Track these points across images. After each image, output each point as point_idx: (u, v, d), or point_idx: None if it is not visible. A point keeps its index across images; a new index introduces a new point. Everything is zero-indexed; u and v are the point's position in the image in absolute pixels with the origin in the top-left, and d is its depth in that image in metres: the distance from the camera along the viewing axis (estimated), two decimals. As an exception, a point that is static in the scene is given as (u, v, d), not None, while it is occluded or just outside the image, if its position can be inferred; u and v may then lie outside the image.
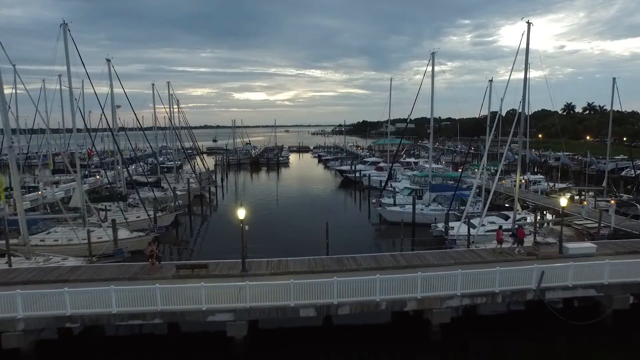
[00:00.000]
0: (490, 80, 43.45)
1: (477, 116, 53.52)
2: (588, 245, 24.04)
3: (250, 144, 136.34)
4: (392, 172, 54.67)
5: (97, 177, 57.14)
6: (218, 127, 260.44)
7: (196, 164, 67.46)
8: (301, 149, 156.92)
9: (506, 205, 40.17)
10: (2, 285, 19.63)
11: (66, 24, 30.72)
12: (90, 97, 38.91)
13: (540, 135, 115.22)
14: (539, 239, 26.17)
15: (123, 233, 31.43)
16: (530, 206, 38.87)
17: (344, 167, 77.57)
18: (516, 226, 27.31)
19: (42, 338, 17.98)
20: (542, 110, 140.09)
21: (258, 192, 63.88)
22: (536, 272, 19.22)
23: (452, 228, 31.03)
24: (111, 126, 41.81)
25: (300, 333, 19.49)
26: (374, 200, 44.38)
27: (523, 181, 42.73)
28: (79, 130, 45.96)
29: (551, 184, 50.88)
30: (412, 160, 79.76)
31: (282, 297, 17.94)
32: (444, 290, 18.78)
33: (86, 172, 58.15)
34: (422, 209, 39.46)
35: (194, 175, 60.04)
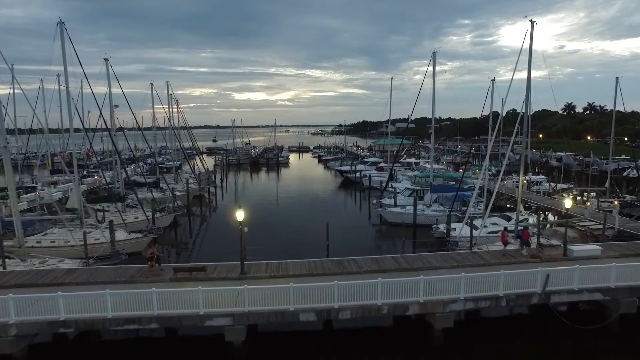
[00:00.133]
0: (493, 80, 43.11)
1: (478, 116, 53.12)
2: (593, 248, 23.63)
3: (250, 144, 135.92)
4: (393, 172, 54.25)
5: (96, 177, 56.74)
6: (218, 127, 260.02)
7: (195, 164, 67.08)
8: (301, 149, 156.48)
9: (508, 206, 39.75)
10: (-4, 288, 19.22)
11: (63, 22, 30.26)
12: (90, 97, 38.67)
13: (540, 136, 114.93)
14: (542, 240, 25.75)
15: (121, 234, 31.06)
16: (533, 207, 38.47)
17: (344, 168, 77.18)
18: (521, 227, 26.89)
19: (36, 342, 17.56)
20: (543, 110, 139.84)
21: (258, 193, 63.49)
22: (541, 276, 18.82)
23: (454, 229, 30.62)
24: (109, 126, 41.37)
25: (300, 337, 19.12)
26: (374, 201, 43.98)
27: (525, 182, 42.29)
28: (77, 131, 45.68)
29: (553, 185, 50.47)
30: (412, 160, 79.31)
31: (281, 301, 17.54)
32: (447, 294, 18.38)
33: (85, 173, 57.80)
34: (423, 210, 39.04)
35: (193, 175, 59.63)
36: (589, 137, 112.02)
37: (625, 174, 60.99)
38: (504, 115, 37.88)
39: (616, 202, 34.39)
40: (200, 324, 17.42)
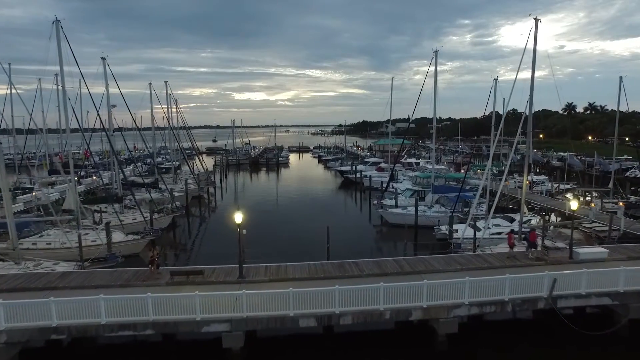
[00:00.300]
0: (496, 79, 42.63)
1: (479, 116, 52.63)
2: (599, 250, 23.09)
3: (249, 144, 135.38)
4: (394, 173, 53.76)
5: (94, 177, 56.21)
6: (218, 127, 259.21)
7: (195, 164, 66.56)
8: (301, 149, 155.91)
9: (510, 207, 39.22)
10: (-13, 293, 18.69)
11: (59, 21, 29.78)
12: (88, 97, 38.29)
13: (541, 136, 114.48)
14: (547, 242, 25.22)
15: (118, 236, 30.56)
16: (536, 208, 37.94)
17: (344, 168, 76.64)
18: (527, 229, 26.36)
19: (28, 347, 17.01)
20: (543, 110, 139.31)
21: (257, 193, 63.00)
22: (548, 280, 18.31)
23: (457, 231, 30.09)
24: (106, 126, 40.85)
25: (300, 341, 18.61)
26: (375, 202, 43.49)
27: (527, 182, 41.77)
28: (75, 131, 45.14)
29: (555, 185, 49.96)
30: (413, 160, 78.76)
31: (280, 307, 17.05)
32: (451, 298, 17.89)
33: (83, 173, 57.28)
34: (424, 211, 38.55)
35: (192, 176, 59.11)
36: (590, 137, 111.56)
37: (628, 174, 60.50)
38: (504, 115, 37.35)
39: (621, 203, 33.91)
40: (197, 330, 16.94)
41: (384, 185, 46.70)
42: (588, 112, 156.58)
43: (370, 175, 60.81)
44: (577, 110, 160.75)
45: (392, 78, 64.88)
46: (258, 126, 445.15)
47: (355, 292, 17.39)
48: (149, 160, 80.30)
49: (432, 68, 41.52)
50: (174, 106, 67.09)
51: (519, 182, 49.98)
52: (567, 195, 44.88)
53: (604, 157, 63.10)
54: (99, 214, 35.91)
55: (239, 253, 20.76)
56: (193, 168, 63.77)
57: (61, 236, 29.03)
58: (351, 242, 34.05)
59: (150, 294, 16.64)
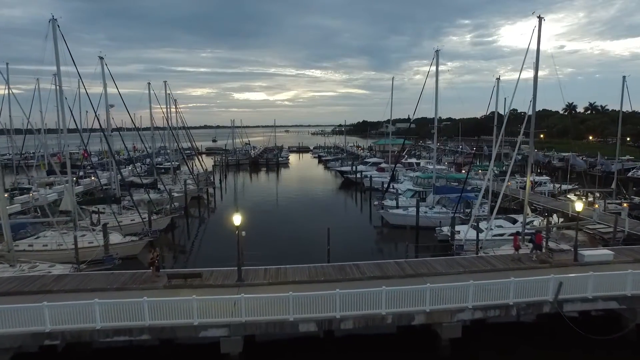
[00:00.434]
0: (498, 79, 42.26)
1: (481, 116, 52.22)
2: (605, 252, 22.68)
3: (249, 144, 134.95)
4: (395, 173, 53.35)
5: (93, 178, 55.78)
6: (218, 127, 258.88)
7: (194, 164, 66.13)
8: (301, 149, 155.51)
9: (512, 207, 38.79)
10: (-21, 296, 18.30)
11: (55, 19, 29.40)
12: (86, 97, 38.01)
13: (542, 136, 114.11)
14: (551, 244, 24.82)
15: (115, 237, 30.14)
16: (538, 209, 37.53)
17: (344, 168, 76.23)
18: (532, 231, 25.95)
19: (22, 352, 16.57)
20: (544, 110, 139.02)
21: (257, 194, 62.58)
22: (553, 283, 17.92)
23: (459, 232, 29.68)
24: (104, 126, 40.46)
25: (300, 345, 18.20)
26: (375, 203, 43.08)
27: (529, 183, 41.37)
28: (72, 131, 44.73)
29: (557, 186, 49.55)
30: (414, 161, 78.33)
31: (280, 311, 16.65)
32: (454, 302, 17.49)
33: (81, 174, 56.86)
34: (425, 212, 38.12)
35: (191, 176, 58.70)
36: (590, 137, 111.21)
37: (630, 174, 60.10)
38: (506, 114, 36.97)
39: (625, 204, 33.50)
40: (195, 335, 16.55)
41: (385, 185, 46.29)
42: (588, 112, 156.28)
43: (370, 176, 60.40)
44: (578, 110, 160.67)
45: (393, 78, 64.46)
46: (258, 126, 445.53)
47: (357, 296, 16.98)
48: (148, 160, 79.95)
49: (433, 68, 41.13)
50: (173, 106, 66.74)
51: (520, 182, 49.61)
52: (569, 196, 44.51)
53: (606, 157, 62.73)
54: (96, 215, 35.48)
55: (238, 255, 20.37)
56: (192, 168, 63.36)
57: (58, 238, 28.61)
58: (351, 243, 33.68)
59: (146, 298, 16.23)
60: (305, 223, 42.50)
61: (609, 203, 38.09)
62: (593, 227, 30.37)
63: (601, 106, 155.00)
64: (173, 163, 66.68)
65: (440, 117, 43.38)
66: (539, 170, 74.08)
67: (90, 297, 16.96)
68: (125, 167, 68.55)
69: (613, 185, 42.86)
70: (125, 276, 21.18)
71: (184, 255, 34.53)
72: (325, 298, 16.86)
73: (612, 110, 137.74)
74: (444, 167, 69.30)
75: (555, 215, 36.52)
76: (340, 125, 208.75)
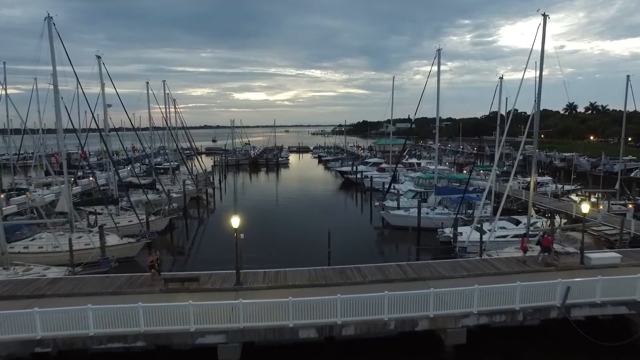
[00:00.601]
0: (501, 78, 41.70)
1: (480, 116, 51.68)
2: (612, 255, 22.16)
3: (249, 144, 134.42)
4: (396, 173, 52.82)
5: (91, 178, 55.29)
6: (218, 127, 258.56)
7: (193, 165, 65.60)
8: (301, 150, 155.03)
9: (515, 209, 38.28)
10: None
11: (51, 17, 28.86)
12: (84, 97, 37.54)
13: (542, 136, 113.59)
14: (557, 247, 24.28)
15: (112, 239, 29.63)
16: (541, 210, 37.01)
17: (344, 168, 75.68)
18: (538, 233, 25.43)
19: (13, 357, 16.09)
20: (544, 110, 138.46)
21: (257, 194, 62.09)
22: (561, 287, 17.39)
23: (461, 234, 29.17)
24: (101, 126, 39.93)
25: (300, 350, 17.67)
26: (376, 203, 42.56)
27: (533, 183, 40.84)
28: (70, 131, 44.22)
29: (560, 186, 49.02)
30: (414, 161, 77.81)
31: (279, 317, 16.12)
32: (458, 307, 16.97)
33: (80, 174, 56.36)
34: (427, 213, 37.58)
35: (190, 176, 58.17)
36: (592, 137, 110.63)
37: (632, 174, 59.58)
38: (508, 114, 36.46)
39: (630, 205, 32.97)
40: (191, 342, 16.02)
41: (386, 186, 45.76)
42: (589, 112, 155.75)
43: (371, 176, 59.88)
44: (578, 110, 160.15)
45: (394, 78, 63.77)
46: (258, 126, 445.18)
47: (358, 301, 16.47)
48: (146, 160, 79.44)
49: (435, 67, 40.63)
50: (172, 106, 66.20)
51: (521, 182, 49.09)
52: (572, 197, 44.01)
53: (609, 158, 62.19)
54: (93, 216, 34.95)
55: (236, 259, 19.86)
56: (191, 169, 62.83)
57: (54, 240, 28.11)
58: (352, 245, 33.19)
59: (141, 303, 15.70)
60: (305, 224, 42.02)
61: (612, 204, 37.58)
62: (598, 228, 29.85)
63: (602, 106, 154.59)
64: (172, 163, 66.14)
65: (440, 117, 42.83)
66: (540, 171, 73.54)
67: (85, 301, 16.49)
68: (124, 168, 68.04)
69: (616, 186, 42.35)
70: (121, 280, 20.67)
71: (182, 257, 33.98)
72: (326, 303, 16.35)
73: (613, 110, 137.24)
74: (445, 167, 68.80)
75: (558, 217, 36.04)
76: (340, 125, 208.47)
